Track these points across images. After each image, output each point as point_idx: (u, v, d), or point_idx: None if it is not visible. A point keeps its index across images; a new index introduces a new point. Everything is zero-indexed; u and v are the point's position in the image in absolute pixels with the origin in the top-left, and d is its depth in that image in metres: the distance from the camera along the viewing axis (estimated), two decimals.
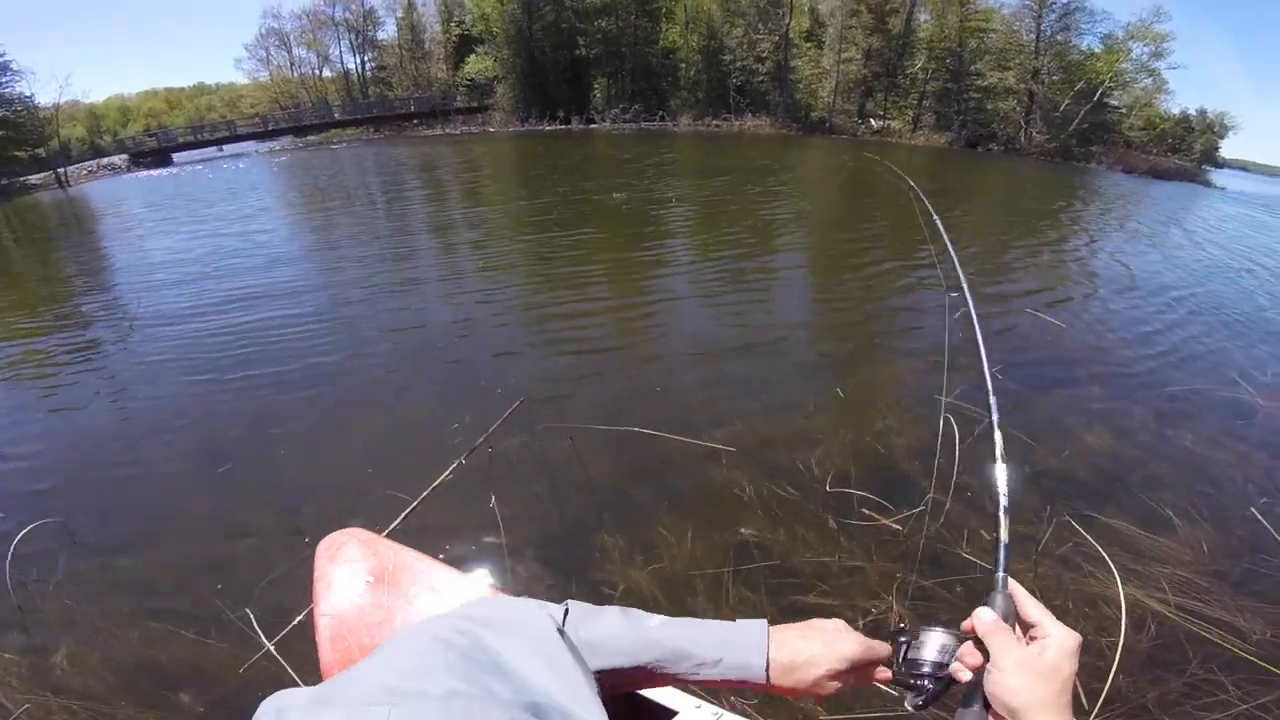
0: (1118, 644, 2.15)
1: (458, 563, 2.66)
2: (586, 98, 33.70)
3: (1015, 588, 0.61)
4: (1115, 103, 29.01)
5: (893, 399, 3.95)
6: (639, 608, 0.68)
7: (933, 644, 0.63)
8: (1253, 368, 4.82)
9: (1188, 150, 34.19)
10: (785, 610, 2.37)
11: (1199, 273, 7.97)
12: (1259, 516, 2.96)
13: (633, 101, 32.86)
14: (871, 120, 31.06)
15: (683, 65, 33.46)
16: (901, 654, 0.65)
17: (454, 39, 36.24)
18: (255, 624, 2.32)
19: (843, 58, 30.07)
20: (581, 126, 31.81)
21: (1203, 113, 37.83)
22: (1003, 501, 0.71)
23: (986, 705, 0.56)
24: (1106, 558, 2.48)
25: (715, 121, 31.22)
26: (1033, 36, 27.03)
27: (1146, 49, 27.07)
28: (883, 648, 0.67)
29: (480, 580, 1.08)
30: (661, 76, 34.21)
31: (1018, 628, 0.60)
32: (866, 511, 2.86)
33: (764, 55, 30.42)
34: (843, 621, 0.68)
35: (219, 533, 2.90)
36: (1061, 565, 2.60)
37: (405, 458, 3.37)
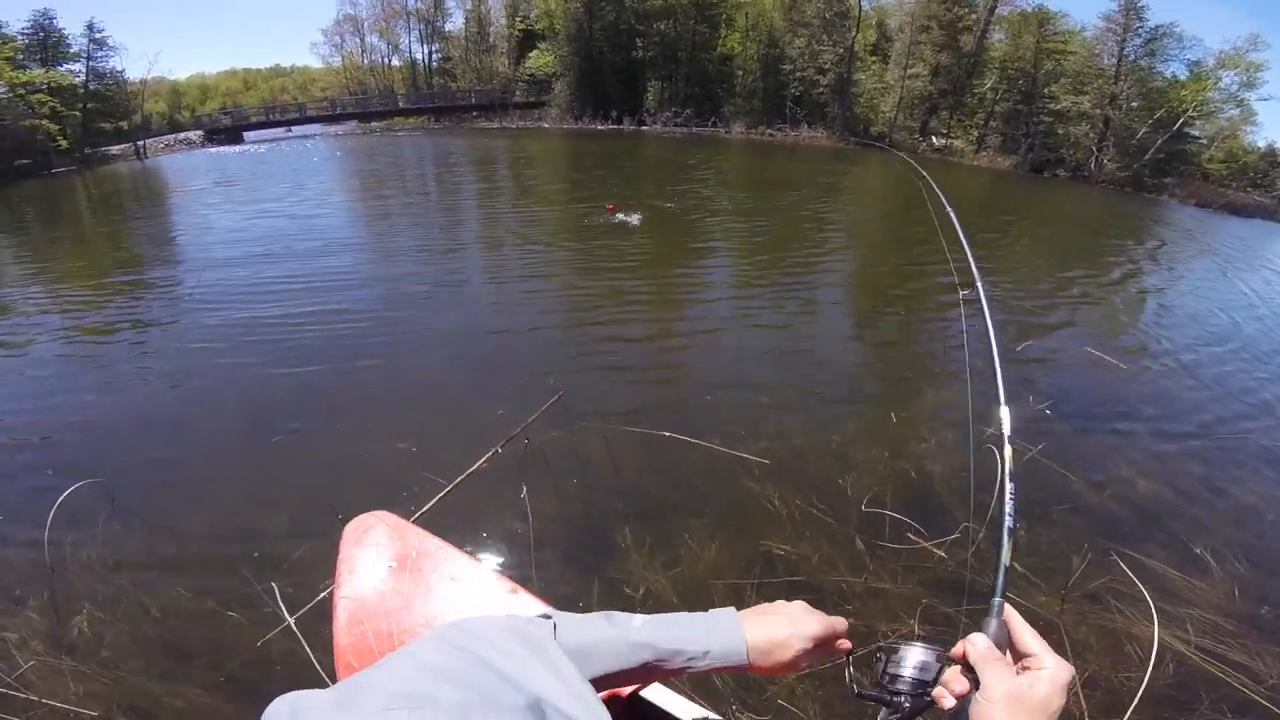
0: (1135, 679, 2.14)
1: (483, 550, 2.74)
2: (640, 99, 33.81)
3: (1011, 614, 0.61)
4: (1196, 133, 27.48)
5: (936, 424, 3.87)
6: (659, 612, 0.71)
7: (912, 660, 0.62)
8: None
9: (1269, 186, 32.10)
10: None
11: (1267, 319, 7.51)
12: None
13: (685, 105, 32.81)
14: (933, 138, 30.24)
15: (740, 72, 33.21)
16: (880, 668, 0.64)
17: (518, 34, 36.90)
18: (279, 598, 2.36)
19: (908, 73, 29.34)
20: (633, 128, 31.92)
21: None
22: (1008, 523, 0.70)
23: None
24: (1148, 597, 2.43)
25: (770, 130, 30.87)
26: (1114, 61, 25.84)
27: (1236, 78, 25.57)
28: (839, 622, 0.71)
29: (500, 573, 1.09)
30: (717, 83, 34.04)
31: (1009, 654, 0.60)
32: (901, 535, 2.83)
33: (826, 67, 29.92)
34: (803, 602, 0.72)
35: (254, 505, 2.99)
36: (1091, 600, 2.56)
37: (444, 443, 3.47)
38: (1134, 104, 25.53)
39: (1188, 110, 25.47)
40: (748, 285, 6.84)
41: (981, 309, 1.11)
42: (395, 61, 40.64)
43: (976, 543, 2.75)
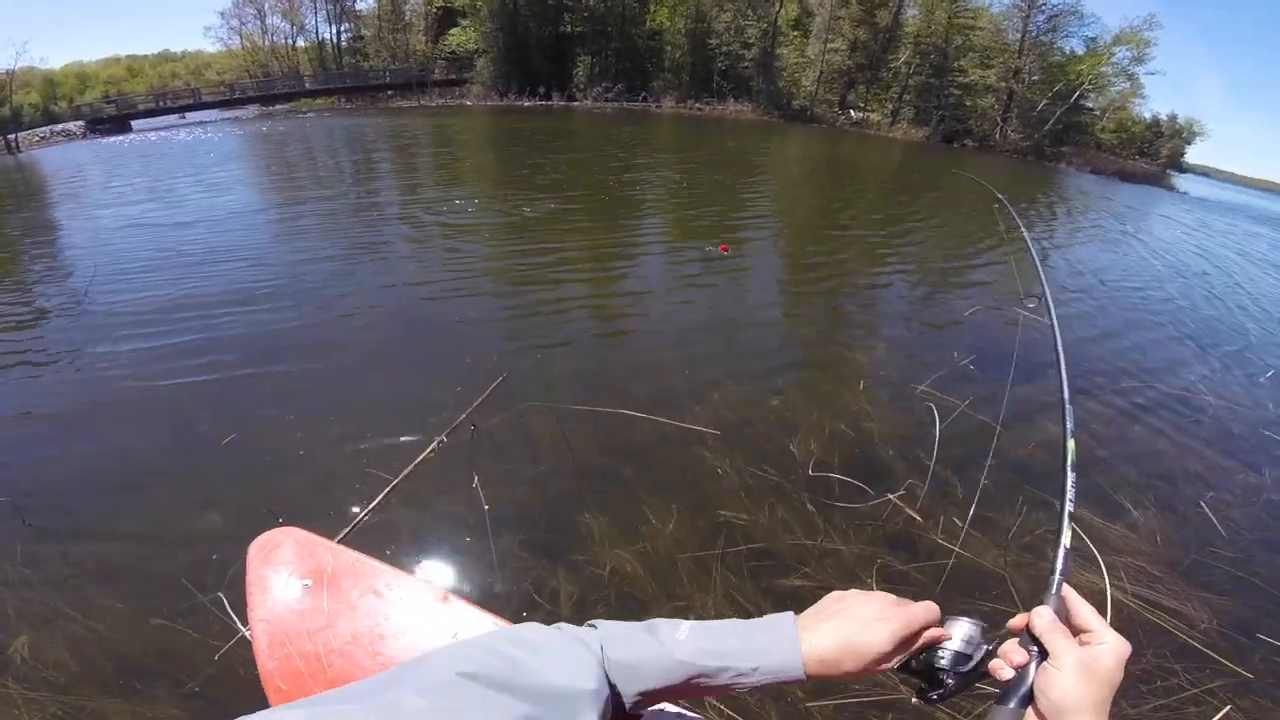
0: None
1: (439, 543, 2.66)
2: (569, 75, 33.13)
3: (1069, 592, 0.62)
4: (1090, 105, 29.66)
5: (871, 387, 4.03)
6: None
7: (959, 635, 0.64)
8: (1204, 368, 5.05)
9: (1154, 154, 35.09)
10: (766, 593, 2.42)
11: (1159, 275, 8.26)
12: (1207, 510, 3.12)
13: (615, 81, 32.43)
14: (851, 111, 31.23)
15: (668, 47, 33.09)
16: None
17: (436, 10, 35.21)
18: (228, 608, 2.24)
19: (828, 48, 30.08)
20: (562, 104, 31.32)
21: (1173, 118, 38.82)
22: (1069, 508, 0.74)
23: (1025, 704, 0.57)
24: (1097, 555, 2.56)
25: (698, 105, 31.06)
26: (1018, 36, 27.36)
27: (1128, 53, 27.64)
28: (927, 611, 0.65)
29: (431, 582, 1.06)
30: (646, 57, 33.79)
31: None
32: (850, 495, 2.93)
33: (750, 41, 30.26)
34: (882, 596, 0.67)
35: (185, 515, 2.78)
36: (1029, 552, 2.69)
37: (386, 436, 3.30)
38: (1035, 77, 27.22)
39: (1084, 84, 27.36)
40: (685, 261, 6.86)
41: (1050, 318, 1.17)
42: (301, 42, 38.02)
43: (920, 500, 2.90)
